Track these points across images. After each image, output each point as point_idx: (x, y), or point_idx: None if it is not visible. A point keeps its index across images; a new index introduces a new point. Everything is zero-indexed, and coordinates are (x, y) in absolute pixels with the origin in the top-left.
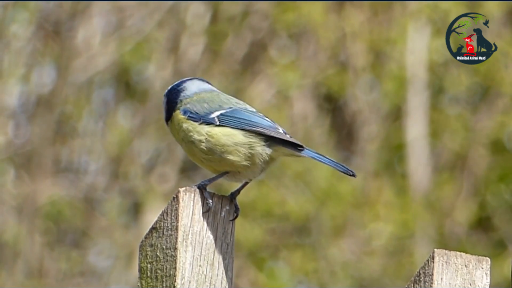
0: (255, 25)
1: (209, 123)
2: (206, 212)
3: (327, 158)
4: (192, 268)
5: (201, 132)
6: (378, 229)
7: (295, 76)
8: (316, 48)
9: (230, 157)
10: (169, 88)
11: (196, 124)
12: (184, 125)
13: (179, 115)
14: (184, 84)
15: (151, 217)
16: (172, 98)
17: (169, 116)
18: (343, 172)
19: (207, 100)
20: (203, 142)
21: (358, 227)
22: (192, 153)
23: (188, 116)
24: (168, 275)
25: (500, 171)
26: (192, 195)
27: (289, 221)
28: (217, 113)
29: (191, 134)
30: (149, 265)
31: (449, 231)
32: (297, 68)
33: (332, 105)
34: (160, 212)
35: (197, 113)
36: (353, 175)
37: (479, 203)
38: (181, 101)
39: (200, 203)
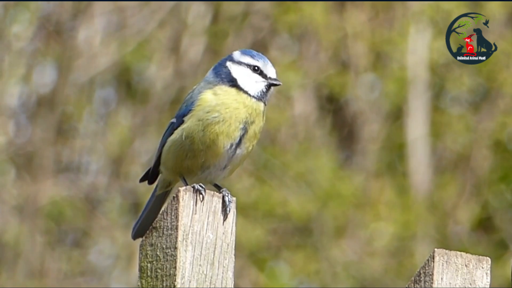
0: (256, 25)
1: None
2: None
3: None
4: (192, 268)
5: None
6: (379, 230)
7: (297, 76)
8: (318, 48)
9: None
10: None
11: None
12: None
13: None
14: None
15: None
16: None
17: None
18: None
19: None
20: None
21: (359, 227)
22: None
23: None
24: (168, 274)
25: (501, 172)
26: (193, 194)
27: (291, 222)
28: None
29: None
30: (149, 265)
31: (450, 231)
32: (298, 68)
33: (333, 105)
34: (160, 212)
35: None
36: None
37: (480, 204)
38: None
39: (200, 203)
